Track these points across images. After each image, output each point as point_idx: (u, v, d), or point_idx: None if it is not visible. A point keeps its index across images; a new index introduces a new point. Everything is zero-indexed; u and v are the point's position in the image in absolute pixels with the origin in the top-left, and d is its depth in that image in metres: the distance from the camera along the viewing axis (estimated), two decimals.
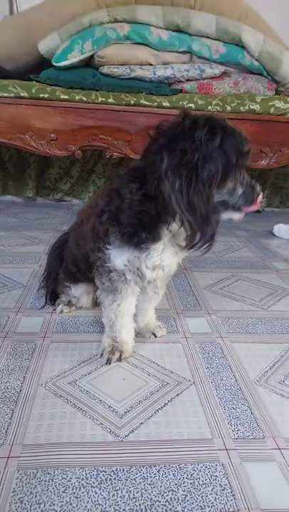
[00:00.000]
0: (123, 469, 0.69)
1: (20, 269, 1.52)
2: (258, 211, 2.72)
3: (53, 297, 1.24)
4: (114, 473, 0.69)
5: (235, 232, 2.23)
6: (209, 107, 1.88)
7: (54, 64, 1.89)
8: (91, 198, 1.04)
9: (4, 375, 0.92)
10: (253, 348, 1.08)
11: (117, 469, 0.69)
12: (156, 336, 1.10)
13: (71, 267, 1.15)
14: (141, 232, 0.89)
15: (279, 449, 0.76)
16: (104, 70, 1.91)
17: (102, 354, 1.00)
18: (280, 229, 2.13)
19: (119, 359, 0.99)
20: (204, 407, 0.85)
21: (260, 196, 0.91)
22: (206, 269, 1.64)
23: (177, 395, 0.89)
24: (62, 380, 0.91)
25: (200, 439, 0.77)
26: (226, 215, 0.91)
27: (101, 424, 0.79)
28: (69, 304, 1.21)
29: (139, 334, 1.11)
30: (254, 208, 0.90)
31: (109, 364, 0.97)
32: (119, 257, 0.92)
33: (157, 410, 0.83)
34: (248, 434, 0.79)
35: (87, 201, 1.09)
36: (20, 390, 0.87)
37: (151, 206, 0.87)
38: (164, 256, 0.94)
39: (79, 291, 1.17)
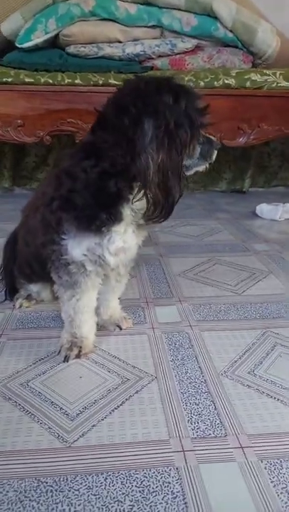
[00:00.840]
0: (67, 479, 0.64)
1: None
2: (242, 191, 2.64)
3: (12, 291, 1.17)
4: (57, 484, 0.63)
5: (217, 214, 2.15)
6: None
7: (17, 46, 1.80)
8: (37, 189, 0.97)
9: None
10: (223, 336, 1.02)
11: (60, 479, 0.63)
12: (121, 329, 1.04)
13: (24, 267, 1.07)
14: (101, 214, 0.82)
15: (241, 447, 0.70)
16: (71, 49, 1.82)
17: (59, 351, 0.93)
18: (263, 209, 2.05)
19: (78, 355, 0.92)
20: (164, 404, 0.79)
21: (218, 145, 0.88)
22: (182, 254, 1.57)
23: (136, 391, 0.82)
24: (13, 381, 0.85)
25: (155, 440, 0.71)
26: (190, 172, 0.88)
27: (49, 428, 0.73)
28: (28, 297, 1.15)
29: (102, 327, 1.04)
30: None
31: (67, 361, 0.91)
32: (77, 246, 0.85)
33: (113, 410, 0.77)
34: (209, 433, 0.73)
35: (33, 194, 1.01)
36: None
37: (111, 183, 0.80)
38: (127, 237, 0.88)
39: (38, 287, 1.10)
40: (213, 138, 0.88)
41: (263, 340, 1.00)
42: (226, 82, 1.81)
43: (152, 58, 1.90)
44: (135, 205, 0.83)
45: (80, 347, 0.93)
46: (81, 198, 0.81)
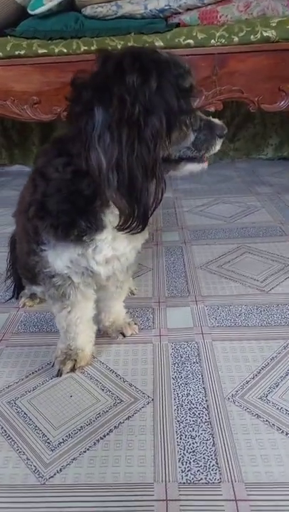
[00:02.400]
0: None
1: (3, 254, 1.41)
2: (284, 158, 2.37)
3: (19, 289, 1.13)
4: None
5: (257, 188, 1.95)
6: (212, 41, 1.55)
7: (30, 12, 1.66)
8: (21, 191, 0.87)
9: None
10: (237, 348, 0.90)
11: None
12: (124, 336, 0.95)
13: (24, 270, 1.00)
14: (79, 221, 0.71)
15: (235, 500, 0.60)
16: (87, 11, 1.64)
17: (53, 363, 0.87)
18: None
19: (73, 369, 0.85)
20: (156, 436, 0.70)
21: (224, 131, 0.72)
22: (209, 240, 1.43)
23: (128, 417, 0.74)
24: (2, 398, 0.80)
25: (138, 483, 0.63)
26: (182, 171, 0.73)
27: (27, 459, 0.67)
28: (32, 296, 1.09)
29: (105, 334, 0.96)
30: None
31: (60, 376, 0.85)
32: (58, 258, 0.75)
33: (98, 440, 0.70)
34: (201, 477, 0.63)
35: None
36: None
37: (84, 184, 0.68)
38: (117, 244, 0.76)
39: (40, 288, 1.04)
40: (216, 121, 0.72)
41: (285, 355, 0.87)
42: (265, 34, 1.55)
43: (179, 13, 1.67)
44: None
45: (75, 360, 0.86)
46: (55, 202, 0.70)
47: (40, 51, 1.58)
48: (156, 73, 0.60)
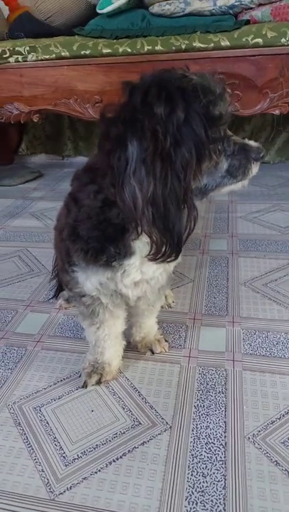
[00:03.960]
0: None
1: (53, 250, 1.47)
2: None
3: (60, 290, 1.17)
4: None
5: None
6: (282, 40, 1.44)
7: (98, 12, 1.66)
8: (59, 210, 0.88)
9: None
10: (268, 381, 0.86)
11: None
12: (153, 353, 0.95)
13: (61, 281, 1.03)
14: (108, 247, 0.71)
15: None
16: (155, 9, 1.61)
17: (80, 374, 0.90)
18: None
19: (99, 382, 0.87)
20: (167, 468, 0.70)
21: (260, 154, 0.69)
22: (257, 253, 1.36)
23: (143, 443, 0.75)
24: (29, 402, 0.84)
25: None
26: (221, 192, 0.71)
27: (42, 471, 0.71)
28: (69, 299, 1.12)
29: (135, 348, 0.97)
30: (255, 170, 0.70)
31: (86, 388, 0.87)
32: (87, 280, 0.76)
33: (110, 462, 0.72)
34: None
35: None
36: None
37: (114, 213, 0.68)
38: (146, 268, 0.75)
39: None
40: (251, 143, 0.68)
41: None
42: None
43: (251, 8, 1.58)
44: (144, 238, 0.67)
45: (101, 374, 0.87)
46: (86, 228, 0.70)
47: (105, 51, 1.59)
48: (182, 103, 0.57)
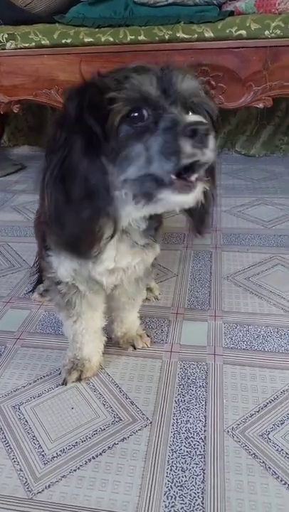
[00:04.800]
0: None
1: (35, 245, 1.44)
2: None
3: (38, 284, 1.16)
4: None
5: None
6: (266, 32, 1.44)
7: None
8: None
9: None
10: (248, 375, 0.86)
11: None
12: (135, 348, 0.95)
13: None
14: None
15: None
16: None
17: (60, 372, 0.89)
18: None
19: (79, 379, 0.87)
20: (146, 464, 0.70)
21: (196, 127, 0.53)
22: (241, 247, 1.37)
23: (123, 439, 0.74)
24: (8, 401, 0.83)
25: None
26: (160, 206, 0.60)
27: (20, 470, 0.70)
28: (44, 293, 1.12)
29: (116, 343, 0.96)
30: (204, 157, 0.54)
31: (65, 385, 0.86)
32: (60, 264, 0.75)
33: (89, 459, 0.71)
34: None
35: None
36: None
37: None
38: (120, 257, 0.74)
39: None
40: (190, 117, 0.55)
41: None
42: None
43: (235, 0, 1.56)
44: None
45: (81, 370, 0.87)
46: None
47: (87, 40, 1.56)
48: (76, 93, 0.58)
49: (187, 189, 0.56)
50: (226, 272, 1.24)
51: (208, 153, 0.54)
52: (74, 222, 0.59)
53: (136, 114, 0.56)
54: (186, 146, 0.52)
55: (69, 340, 0.89)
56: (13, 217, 1.70)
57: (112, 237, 0.64)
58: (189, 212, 0.70)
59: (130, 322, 0.96)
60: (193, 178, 0.56)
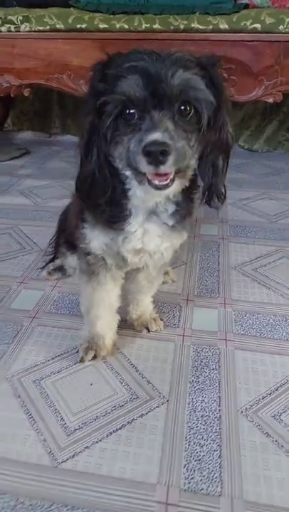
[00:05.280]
0: (43, 505, 0.63)
1: (46, 228, 1.46)
2: None
3: (49, 263, 1.20)
4: (32, 508, 0.63)
5: None
6: (280, 27, 1.46)
7: None
8: None
9: None
10: (258, 360, 0.90)
11: (36, 503, 0.64)
12: (149, 331, 0.98)
13: (69, 241, 1.05)
14: (111, 209, 0.75)
15: None
16: None
17: (78, 350, 0.92)
18: None
19: (95, 357, 0.90)
20: (165, 438, 0.74)
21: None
22: (247, 239, 1.40)
23: (141, 415, 0.78)
24: (28, 376, 0.86)
25: (141, 482, 0.67)
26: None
27: (44, 441, 0.73)
28: (54, 271, 1.16)
29: (131, 326, 0.99)
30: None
31: (83, 363, 0.89)
32: (94, 238, 0.80)
33: (110, 433, 0.74)
34: (202, 487, 0.66)
35: None
36: None
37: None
38: (147, 239, 0.78)
39: (76, 261, 1.08)
40: (152, 136, 0.59)
41: None
42: None
43: None
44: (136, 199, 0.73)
45: (96, 350, 0.90)
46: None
47: (102, 26, 1.56)
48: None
49: (161, 187, 0.64)
50: (234, 262, 1.27)
51: (164, 168, 0.61)
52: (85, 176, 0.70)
53: (125, 114, 0.63)
54: (142, 163, 0.61)
55: (84, 314, 0.92)
56: (20, 201, 1.70)
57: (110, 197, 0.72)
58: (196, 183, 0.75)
59: (145, 305, 0.99)
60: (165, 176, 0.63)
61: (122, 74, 0.62)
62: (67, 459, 0.70)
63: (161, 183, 0.64)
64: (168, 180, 0.64)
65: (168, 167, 0.61)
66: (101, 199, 0.72)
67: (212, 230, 1.46)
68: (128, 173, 0.68)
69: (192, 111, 0.64)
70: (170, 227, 0.78)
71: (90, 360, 0.89)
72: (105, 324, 0.91)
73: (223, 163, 0.73)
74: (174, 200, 0.75)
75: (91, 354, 0.89)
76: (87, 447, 0.72)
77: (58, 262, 1.18)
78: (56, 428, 0.75)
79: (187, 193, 0.75)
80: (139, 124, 0.62)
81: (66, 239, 1.10)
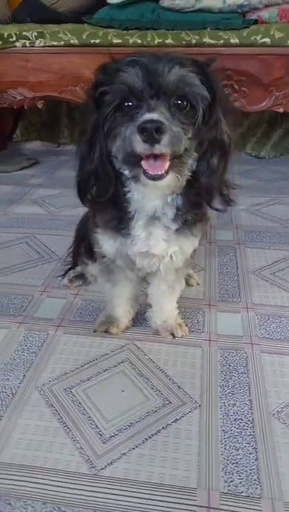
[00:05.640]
0: None
1: (62, 237, 1.47)
2: None
3: (69, 271, 1.22)
4: None
5: None
6: None
7: (108, 2, 1.66)
8: None
9: (7, 371, 0.90)
10: (286, 363, 0.91)
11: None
12: (174, 337, 0.99)
13: (88, 249, 1.08)
14: (115, 210, 0.81)
15: None
16: (165, 2, 1.63)
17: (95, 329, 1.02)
18: None
19: (106, 331, 1.00)
20: (201, 442, 0.74)
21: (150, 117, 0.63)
22: (263, 244, 1.42)
23: (175, 420, 0.78)
24: (59, 384, 0.87)
25: (182, 487, 0.67)
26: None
27: (81, 448, 0.73)
28: (74, 278, 1.19)
29: (156, 332, 1.00)
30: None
31: (95, 332, 1.01)
32: (105, 242, 0.86)
33: (146, 439, 0.75)
34: (242, 490, 0.67)
35: None
36: (16, 392, 0.85)
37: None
38: (153, 243, 0.82)
39: (96, 269, 1.10)
40: (147, 115, 0.63)
41: None
42: None
43: (258, 9, 1.61)
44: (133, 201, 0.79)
45: (109, 325, 1.00)
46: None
47: (116, 41, 1.60)
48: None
49: (156, 177, 0.67)
50: (252, 266, 1.28)
51: (160, 147, 0.63)
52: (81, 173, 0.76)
53: (124, 104, 0.67)
54: (137, 142, 0.64)
55: (107, 301, 1.00)
56: (34, 210, 1.72)
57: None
58: (198, 183, 0.77)
59: (169, 311, 1.00)
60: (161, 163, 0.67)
61: (122, 67, 0.66)
62: (105, 466, 0.70)
63: (155, 173, 0.66)
64: (163, 171, 0.67)
65: (163, 146, 0.63)
66: (103, 198, 0.75)
67: (227, 236, 1.48)
68: (126, 171, 0.72)
69: (188, 106, 0.68)
70: (176, 231, 0.81)
71: (101, 332, 1.00)
72: (122, 312, 1.00)
73: (220, 162, 0.75)
74: (172, 203, 0.79)
75: (103, 327, 1.00)
76: (124, 454, 0.72)
77: (78, 269, 1.19)
78: (91, 436, 0.76)
79: (188, 196, 0.78)
80: (135, 113, 0.65)
81: (86, 247, 1.12)
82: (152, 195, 0.76)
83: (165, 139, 0.63)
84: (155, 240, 0.81)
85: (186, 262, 0.90)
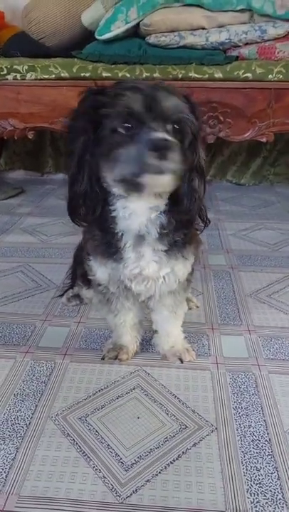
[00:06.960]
0: None
1: (57, 265, 1.48)
2: None
3: (67, 291, 1.25)
4: None
5: None
6: (270, 76, 1.61)
7: (97, 38, 1.74)
8: None
9: (18, 402, 0.89)
10: None
11: None
12: (182, 362, 1.00)
13: (84, 277, 1.09)
14: (102, 234, 0.83)
15: None
16: (151, 39, 1.71)
17: (103, 356, 1.02)
18: None
19: (115, 358, 1.00)
20: (222, 465, 0.75)
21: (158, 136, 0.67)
22: (255, 267, 1.47)
23: (194, 444, 0.79)
24: (73, 413, 0.86)
25: (211, 511, 0.67)
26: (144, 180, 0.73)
27: (104, 477, 0.73)
28: (72, 298, 1.22)
29: (164, 357, 1.01)
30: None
31: (103, 360, 1.01)
32: (98, 268, 0.87)
33: (168, 465, 0.75)
34: (269, 510, 0.67)
35: None
36: (30, 423, 0.83)
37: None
38: (144, 263, 0.84)
39: (91, 294, 1.13)
40: (156, 134, 0.67)
41: None
42: None
43: (239, 46, 1.73)
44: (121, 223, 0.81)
45: (118, 352, 1.00)
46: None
47: (105, 74, 1.66)
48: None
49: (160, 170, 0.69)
50: (248, 290, 1.32)
51: (167, 164, 0.67)
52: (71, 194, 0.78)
53: (124, 127, 0.70)
54: (145, 160, 0.67)
55: (112, 329, 1.01)
56: (26, 239, 1.72)
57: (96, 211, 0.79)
58: (176, 207, 0.81)
59: (176, 336, 1.02)
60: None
61: (123, 92, 0.70)
62: (131, 494, 0.70)
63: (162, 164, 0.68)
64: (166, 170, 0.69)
65: (168, 163, 0.67)
66: (92, 216, 0.78)
67: (220, 260, 1.52)
68: (116, 189, 0.75)
69: (178, 131, 0.73)
70: (166, 253, 0.84)
71: (110, 359, 1.00)
72: (129, 339, 1.01)
73: (200, 184, 0.80)
74: (155, 221, 0.81)
75: (112, 353, 1.00)
76: (148, 481, 0.72)
77: (76, 289, 1.22)
78: (113, 464, 0.75)
79: (172, 214, 0.81)
80: (136, 135, 0.69)
81: (81, 274, 1.13)
82: (140, 208, 0.78)
83: (171, 156, 0.67)
84: (145, 261, 0.83)
85: (181, 285, 0.93)
